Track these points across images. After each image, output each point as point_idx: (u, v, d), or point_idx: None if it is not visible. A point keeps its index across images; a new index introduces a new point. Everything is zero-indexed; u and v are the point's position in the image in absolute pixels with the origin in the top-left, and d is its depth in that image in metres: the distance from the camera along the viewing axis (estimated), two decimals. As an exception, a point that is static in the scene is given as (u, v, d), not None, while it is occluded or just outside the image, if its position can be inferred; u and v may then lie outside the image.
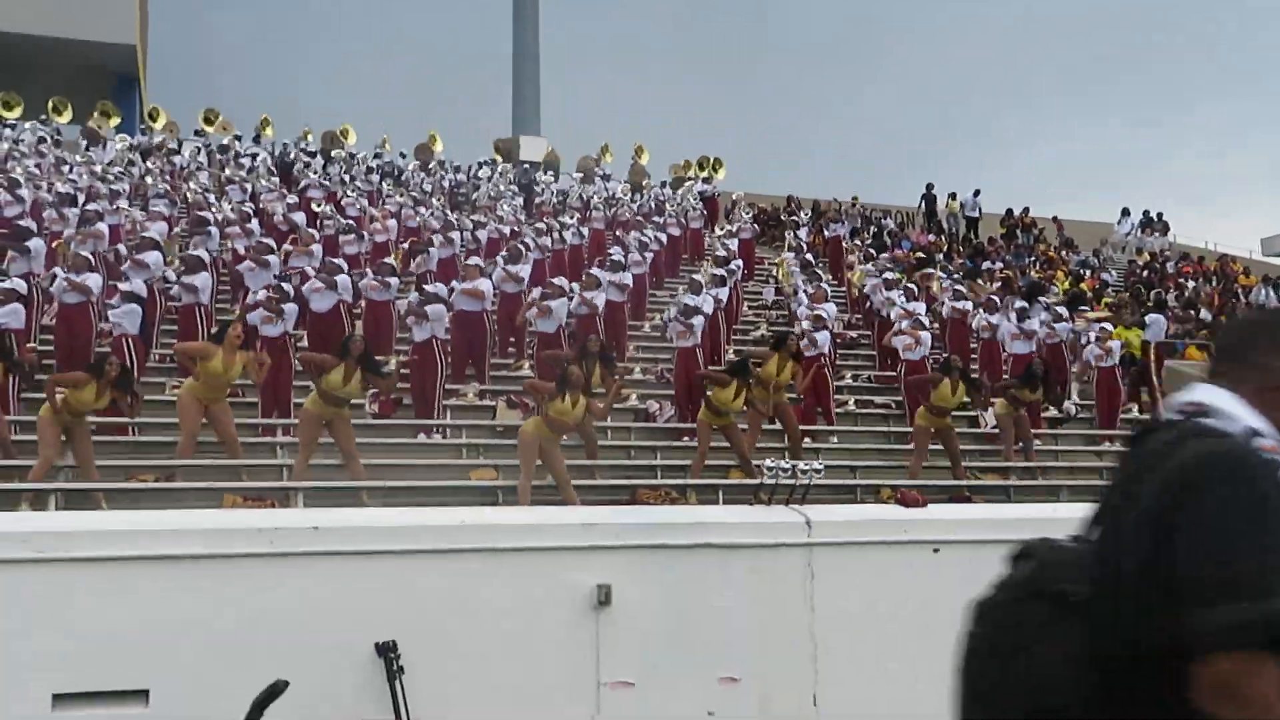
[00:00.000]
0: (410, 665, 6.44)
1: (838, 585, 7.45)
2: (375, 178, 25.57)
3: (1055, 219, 33.79)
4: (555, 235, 19.53)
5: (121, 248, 14.46)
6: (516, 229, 21.03)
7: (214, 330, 11.59)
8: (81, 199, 17.56)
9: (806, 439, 12.97)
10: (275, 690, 5.59)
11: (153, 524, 6.65)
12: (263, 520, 6.72)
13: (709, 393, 11.57)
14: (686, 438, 13.14)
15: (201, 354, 10.28)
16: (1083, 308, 19.60)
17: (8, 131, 25.79)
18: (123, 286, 11.80)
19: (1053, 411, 15.15)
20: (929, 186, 33.23)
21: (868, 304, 18.48)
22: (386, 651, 6.43)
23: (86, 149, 24.61)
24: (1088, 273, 26.56)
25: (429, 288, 13.16)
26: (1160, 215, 35.18)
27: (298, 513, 7.54)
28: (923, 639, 7.52)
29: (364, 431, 11.48)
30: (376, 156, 28.18)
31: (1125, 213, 34.99)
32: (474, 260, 14.69)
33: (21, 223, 14.35)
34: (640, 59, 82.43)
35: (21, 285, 11.73)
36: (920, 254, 25.57)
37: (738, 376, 11.59)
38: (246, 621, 6.33)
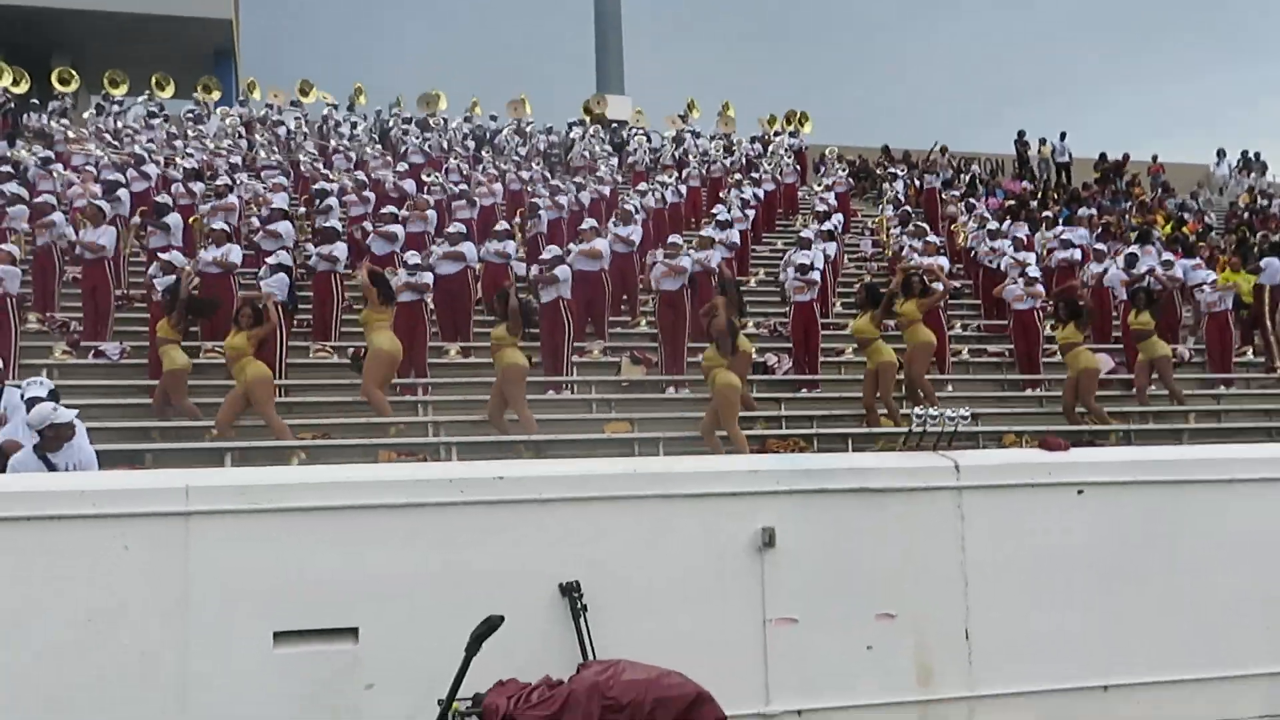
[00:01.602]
0: (592, 604, 6.88)
1: (986, 526, 7.75)
2: (471, 143, 26.07)
3: (1154, 159, 33.22)
4: (656, 195, 19.84)
5: (255, 220, 15.09)
6: (615, 189, 21.42)
7: None
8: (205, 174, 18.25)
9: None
10: (491, 625, 6.08)
11: (355, 476, 7.15)
12: (453, 471, 7.18)
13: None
14: (805, 389, 13.49)
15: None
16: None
17: (115, 108, 26.70)
18: (270, 259, 12.42)
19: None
20: (1020, 133, 32.93)
21: (971, 254, 18.56)
22: (570, 591, 6.87)
23: (195, 123, 25.39)
24: (1189, 216, 26.23)
25: (547, 253, 13.55)
26: (1258, 155, 34.51)
27: (483, 464, 7.99)
28: (1068, 576, 7.85)
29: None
30: (467, 120, 28.64)
31: (1221, 154, 34.41)
32: (590, 222, 15.08)
33: (159, 199, 15.03)
34: (702, 12, 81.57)
35: (179, 258, 12.40)
36: (1013, 202, 25.48)
37: (872, 303, 12.14)
38: (441, 565, 6.80)
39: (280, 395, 11.88)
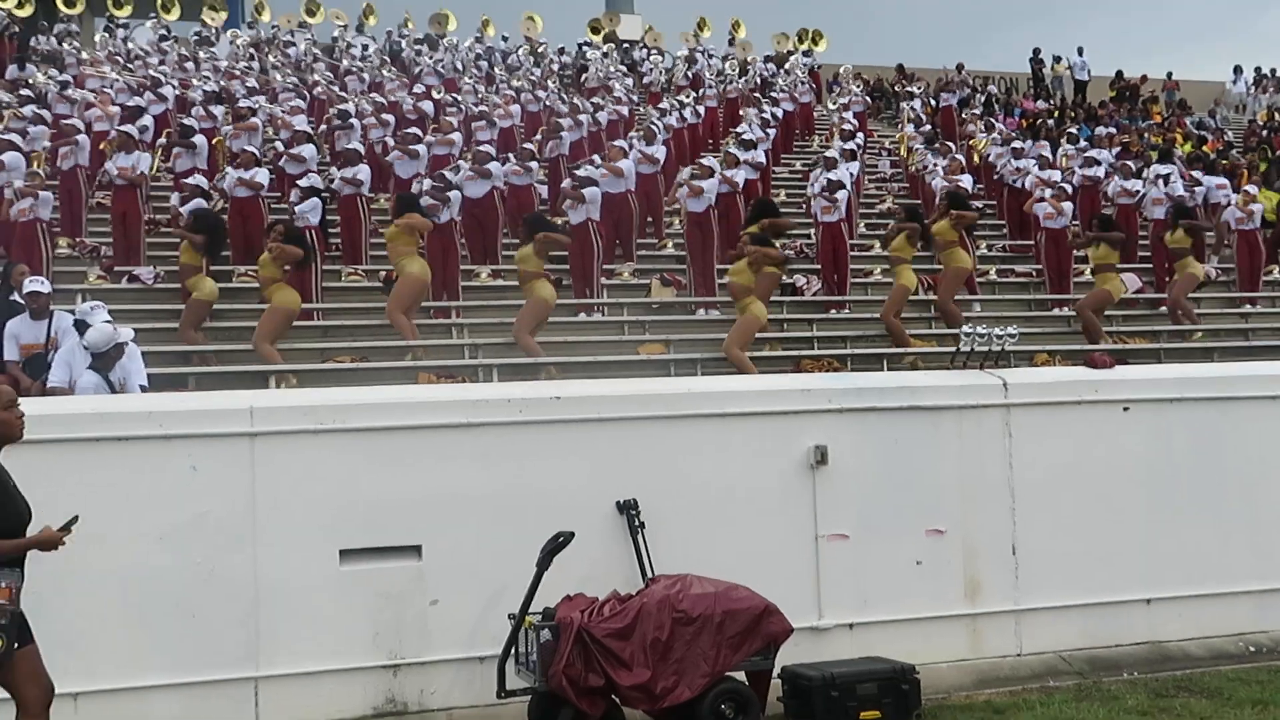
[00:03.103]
0: (649, 521, 7.01)
1: (1033, 443, 7.87)
2: (484, 64, 25.81)
3: (1169, 75, 32.83)
4: (675, 116, 19.68)
5: (279, 143, 15.01)
6: (633, 109, 21.23)
7: None
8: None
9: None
10: (562, 541, 6.20)
11: (417, 397, 7.24)
12: (512, 392, 7.26)
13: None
14: (834, 310, 13.51)
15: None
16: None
17: (123, 31, 26.38)
18: (302, 182, 12.39)
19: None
20: (1036, 51, 32.52)
21: (994, 174, 18.46)
22: (628, 509, 6.99)
23: (205, 45, 25.11)
24: (1208, 135, 26.01)
25: (580, 171, 13.50)
26: (1274, 71, 34.07)
27: (541, 385, 8.07)
28: (1113, 491, 7.97)
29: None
30: (479, 40, 28.31)
31: (1238, 70, 33.98)
32: (620, 143, 15.00)
33: (185, 121, 14.96)
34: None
35: (204, 181, 12.37)
36: (1037, 120, 25.26)
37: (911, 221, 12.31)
38: (502, 483, 6.92)
39: (316, 319, 11.92)
